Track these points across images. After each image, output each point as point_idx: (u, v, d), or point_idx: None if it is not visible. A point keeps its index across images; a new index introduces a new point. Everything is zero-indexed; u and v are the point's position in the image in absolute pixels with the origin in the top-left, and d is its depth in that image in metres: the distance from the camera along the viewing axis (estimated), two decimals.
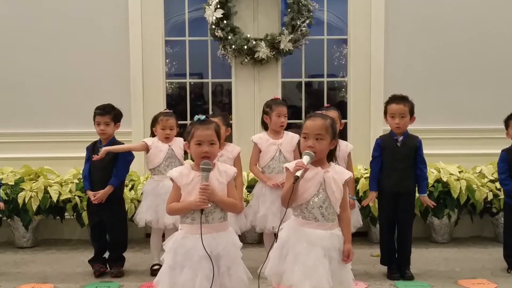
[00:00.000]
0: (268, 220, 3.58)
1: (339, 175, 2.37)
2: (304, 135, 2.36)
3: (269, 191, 3.60)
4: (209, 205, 2.35)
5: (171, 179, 2.43)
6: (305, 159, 2.29)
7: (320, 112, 2.45)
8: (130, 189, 4.36)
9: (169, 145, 3.69)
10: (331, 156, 2.43)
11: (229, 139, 3.94)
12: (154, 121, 3.76)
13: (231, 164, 3.50)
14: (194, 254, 2.29)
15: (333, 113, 3.55)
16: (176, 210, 2.41)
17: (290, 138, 3.67)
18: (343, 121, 3.86)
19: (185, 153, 3.65)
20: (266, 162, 3.66)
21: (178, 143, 3.69)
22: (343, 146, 3.68)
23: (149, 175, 3.85)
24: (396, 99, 3.54)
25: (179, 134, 3.78)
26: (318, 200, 2.33)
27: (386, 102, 3.61)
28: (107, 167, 3.62)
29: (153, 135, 3.78)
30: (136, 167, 4.38)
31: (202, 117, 2.46)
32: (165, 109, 3.86)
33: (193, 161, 2.51)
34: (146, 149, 3.70)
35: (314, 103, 4.99)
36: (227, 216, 2.44)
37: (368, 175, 4.01)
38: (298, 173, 2.23)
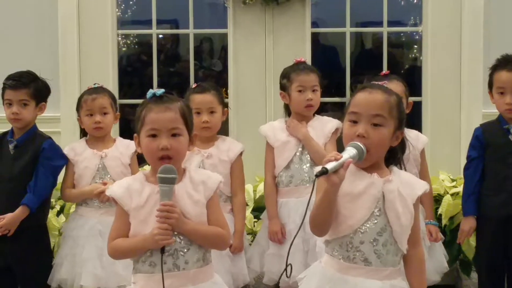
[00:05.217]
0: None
1: (409, 188, 2.42)
2: (352, 116, 2.37)
3: (292, 212, 3.66)
4: (176, 239, 2.40)
5: (113, 200, 2.50)
6: (349, 152, 2.29)
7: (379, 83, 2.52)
8: (59, 213, 4.36)
9: (101, 155, 3.78)
10: (394, 158, 2.48)
11: (223, 130, 4.01)
12: (78, 105, 3.88)
13: (225, 172, 3.57)
14: None
15: (396, 86, 3.57)
16: (124, 251, 2.47)
17: (322, 124, 3.72)
18: (412, 99, 3.92)
19: (141, 160, 3.72)
20: (281, 166, 3.74)
21: (118, 151, 3.78)
22: (412, 140, 3.66)
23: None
24: (508, 62, 3.61)
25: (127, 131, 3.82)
26: (372, 229, 2.36)
27: (492, 67, 3.69)
28: (20, 176, 3.68)
29: (84, 132, 3.93)
30: None
31: (160, 91, 2.54)
32: (94, 84, 3.98)
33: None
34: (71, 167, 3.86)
35: (366, 68, 5.02)
36: (209, 256, 2.51)
37: (458, 189, 4.07)
38: (329, 165, 2.21)
